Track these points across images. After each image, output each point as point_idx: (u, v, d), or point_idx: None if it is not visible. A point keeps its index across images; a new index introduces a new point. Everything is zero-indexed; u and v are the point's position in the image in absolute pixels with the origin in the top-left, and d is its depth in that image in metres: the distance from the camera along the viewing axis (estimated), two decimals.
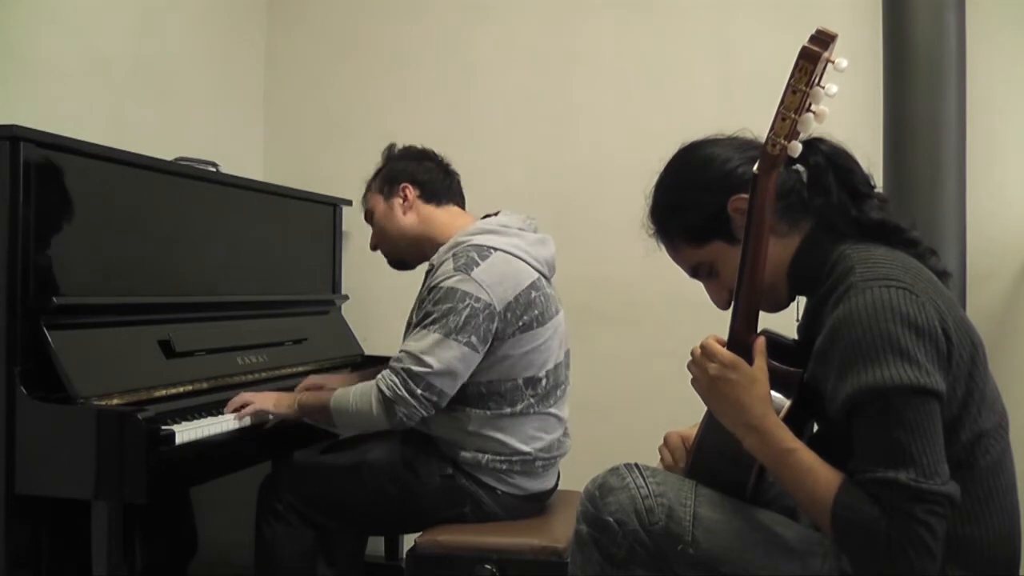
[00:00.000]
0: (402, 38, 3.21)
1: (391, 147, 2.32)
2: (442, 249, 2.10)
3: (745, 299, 1.33)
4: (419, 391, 1.94)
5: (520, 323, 2.02)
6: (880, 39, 2.68)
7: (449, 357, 1.94)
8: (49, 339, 1.78)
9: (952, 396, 1.23)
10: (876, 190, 1.41)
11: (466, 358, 1.96)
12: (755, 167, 1.28)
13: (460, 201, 2.29)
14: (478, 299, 1.96)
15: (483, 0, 3.14)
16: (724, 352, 1.33)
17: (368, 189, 2.31)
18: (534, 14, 3.08)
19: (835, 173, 1.36)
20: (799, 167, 1.38)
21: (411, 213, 2.21)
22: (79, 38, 2.42)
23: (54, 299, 1.80)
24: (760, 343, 1.34)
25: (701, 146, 1.45)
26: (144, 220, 2.13)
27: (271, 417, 2.09)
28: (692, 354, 1.37)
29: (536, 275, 2.09)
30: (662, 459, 1.54)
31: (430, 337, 1.95)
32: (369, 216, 2.30)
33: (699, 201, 1.39)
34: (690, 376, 1.38)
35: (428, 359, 1.94)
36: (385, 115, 3.19)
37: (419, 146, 2.31)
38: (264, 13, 3.31)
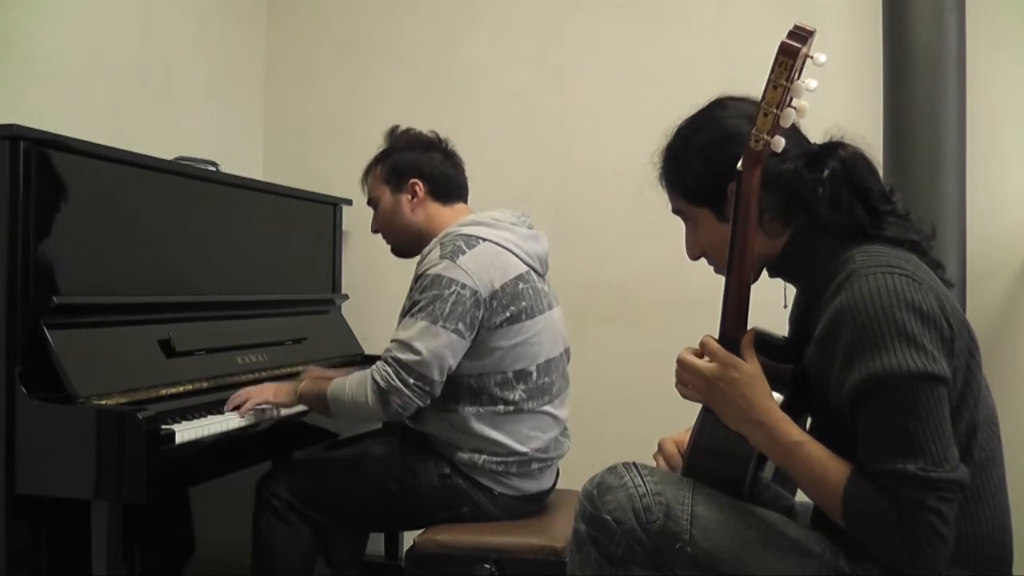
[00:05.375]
0: (402, 37, 3.21)
1: (394, 129, 2.28)
2: (434, 240, 2.10)
3: (733, 296, 1.33)
4: (411, 380, 1.93)
5: (507, 313, 2.02)
6: (880, 39, 2.68)
7: (437, 345, 1.94)
8: (49, 339, 1.78)
9: (952, 385, 1.24)
10: (895, 200, 1.37)
11: (454, 345, 1.96)
12: (739, 164, 1.28)
13: (466, 194, 2.26)
14: (464, 285, 1.97)
15: (483, 0, 3.14)
16: (722, 351, 1.33)
17: (371, 173, 2.26)
18: (534, 13, 3.09)
19: (851, 188, 1.33)
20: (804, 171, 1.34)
21: (419, 210, 2.20)
22: (79, 37, 2.42)
23: (54, 299, 1.80)
24: (749, 338, 1.34)
25: (733, 113, 1.40)
26: (144, 220, 2.13)
27: (272, 409, 2.09)
28: (682, 361, 1.36)
29: (525, 268, 2.09)
30: (657, 466, 1.54)
31: (418, 325, 1.95)
32: (374, 203, 2.26)
33: (703, 172, 1.38)
34: (677, 382, 1.38)
35: (417, 346, 1.93)
36: (385, 115, 3.15)
37: (425, 132, 2.27)
38: (264, 13, 3.32)
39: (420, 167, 2.20)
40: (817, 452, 1.26)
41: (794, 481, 1.34)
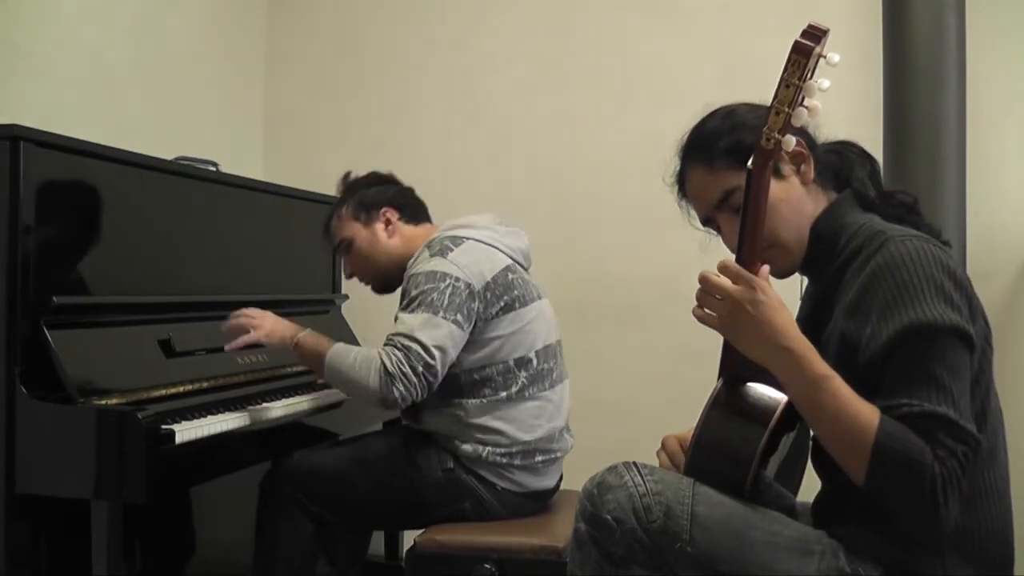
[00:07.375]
0: (402, 38, 3.21)
1: (347, 176, 2.34)
2: (420, 248, 2.16)
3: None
4: (420, 369, 1.94)
5: (502, 303, 2.07)
6: (880, 39, 2.69)
7: (439, 335, 1.96)
8: (49, 339, 1.78)
9: (972, 358, 1.24)
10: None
11: (454, 336, 1.98)
12: (749, 162, 1.27)
13: (429, 217, 2.34)
14: (457, 279, 2.01)
15: (483, 0, 3.14)
16: (747, 273, 1.27)
17: (335, 218, 2.29)
18: (534, 14, 3.09)
19: (870, 167, 1.45)
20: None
21: (395, 236, 2.24)
22: (79, 38, 2.43)
23: (54, 299, 1.80)
24: (765, 272, 1.29)
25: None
26: (144, 220, 2.13)
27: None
28: (705, 280, 1.29)
29: (510, 261, 2.15)
30: (660, 464, 1.54)
31: (419, 317, 1.97)
32: (346, 246, 2.28)
33: (759, 127, 1.28)
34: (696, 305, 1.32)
35: (420, 337, 1.94)
36: (385, 115, 3.19)
37: (376, 172, 2.33)
38: (264, 13, 3.32)
39: (386, 196, 2.27)
40: (846, 389, 1.22)
41: (814, 421, 1.26)
